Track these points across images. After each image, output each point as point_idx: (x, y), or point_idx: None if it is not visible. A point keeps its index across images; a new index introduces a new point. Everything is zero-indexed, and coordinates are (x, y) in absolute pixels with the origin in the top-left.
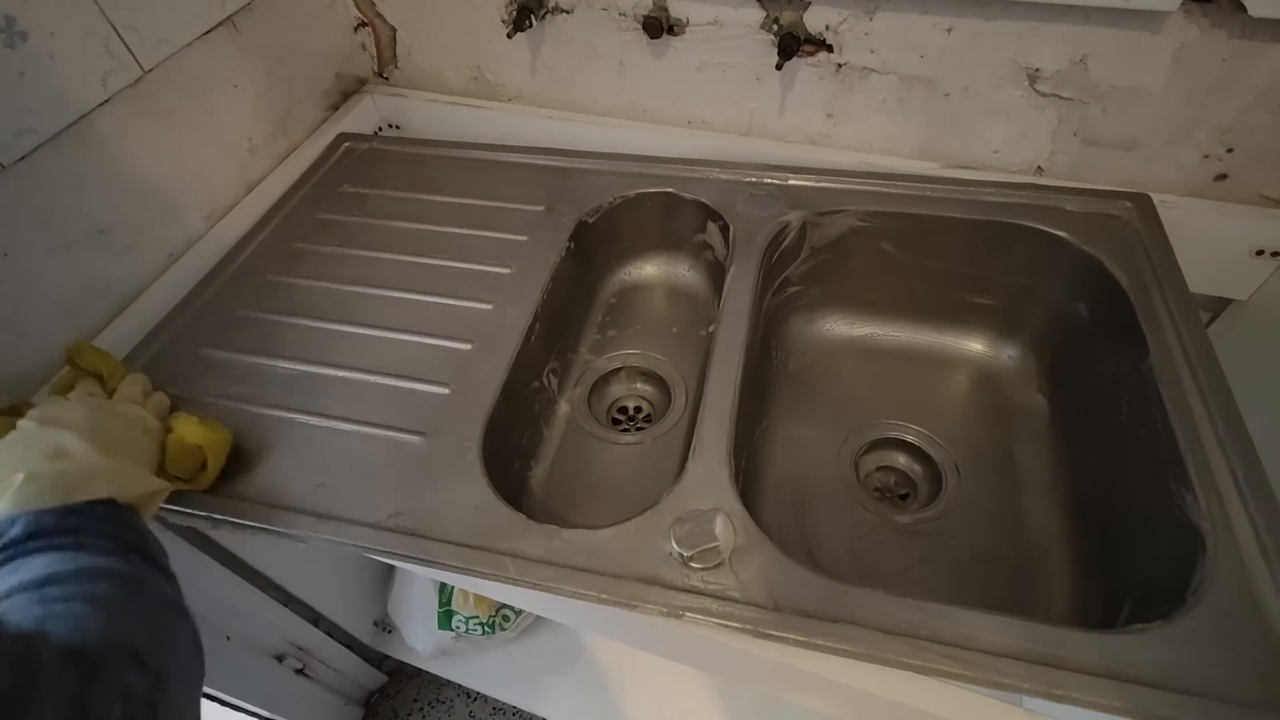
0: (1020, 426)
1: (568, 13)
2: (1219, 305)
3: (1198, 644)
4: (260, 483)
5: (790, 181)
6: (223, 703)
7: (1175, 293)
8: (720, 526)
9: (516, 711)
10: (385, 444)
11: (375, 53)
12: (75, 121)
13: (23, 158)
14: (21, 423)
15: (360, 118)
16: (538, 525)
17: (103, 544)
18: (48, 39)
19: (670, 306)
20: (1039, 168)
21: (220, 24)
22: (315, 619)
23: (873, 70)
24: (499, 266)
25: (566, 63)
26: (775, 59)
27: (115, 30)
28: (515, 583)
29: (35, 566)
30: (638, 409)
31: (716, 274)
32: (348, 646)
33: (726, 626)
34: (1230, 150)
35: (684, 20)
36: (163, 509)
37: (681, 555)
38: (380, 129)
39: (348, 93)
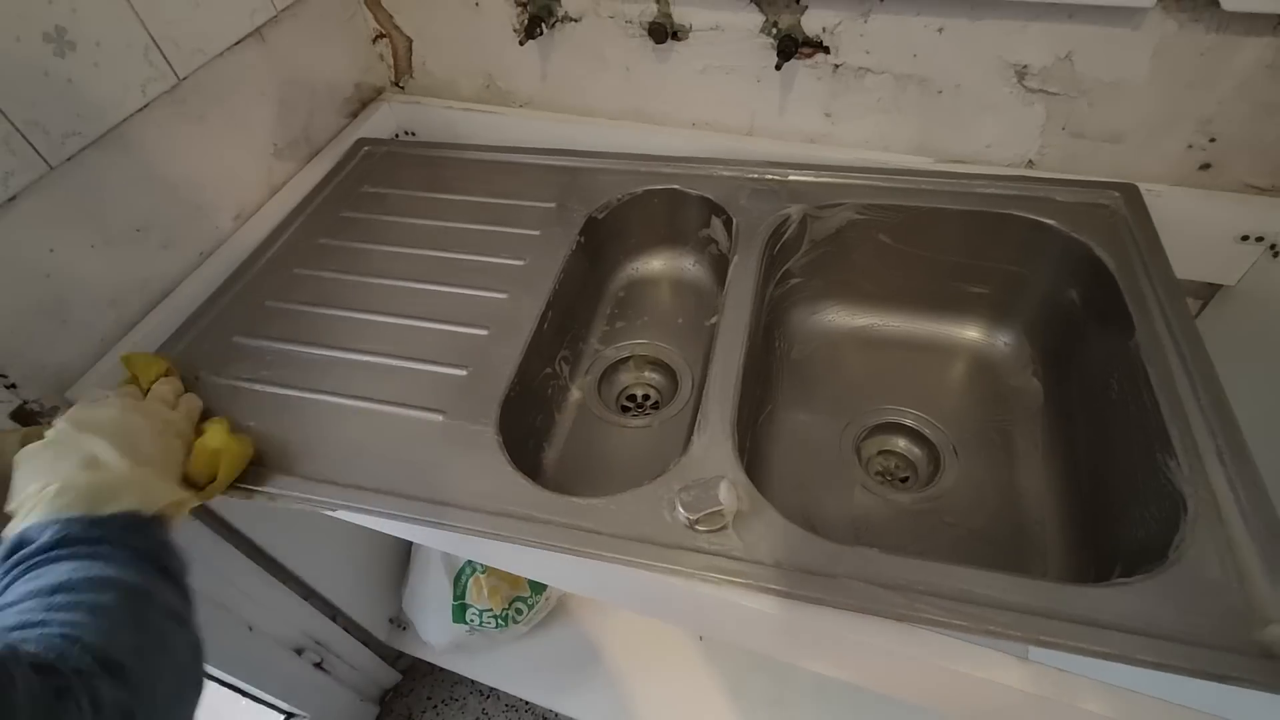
0: (1017, 409)
1: (576, 21)
2: (1209, 292)
3: (1178, 595)
4: (290, 457)
5: (791, 177)
6: (243, 693)
7: (1161, 275)
8: (724, 491)
9: (528, 709)
10: (407, 422)
11: (392, 63)
12: (117, 125)
13: (69, 159)
14: (59, 423)
15: (378, 125)
16: (551, 494)
17: (120, 554)
18: (93, 48)
19: (677, 299)
20: (1030, 161)
21: (249, 35)
22: (333, 614)
23: (868, 70)
24: (513, 259)
25: (575, 69)
26: (774, 61)
27: (154, 40)
28: (529, 544)
29: (53, 574)
30: (646, 396)
31: (721, 268)
32: (364, 642)
33: (730, 582)
34: (1213, 140)
35: (687, 26)
36: None
37: (687, 519)
38: (396, 135)
39: (366, 101)
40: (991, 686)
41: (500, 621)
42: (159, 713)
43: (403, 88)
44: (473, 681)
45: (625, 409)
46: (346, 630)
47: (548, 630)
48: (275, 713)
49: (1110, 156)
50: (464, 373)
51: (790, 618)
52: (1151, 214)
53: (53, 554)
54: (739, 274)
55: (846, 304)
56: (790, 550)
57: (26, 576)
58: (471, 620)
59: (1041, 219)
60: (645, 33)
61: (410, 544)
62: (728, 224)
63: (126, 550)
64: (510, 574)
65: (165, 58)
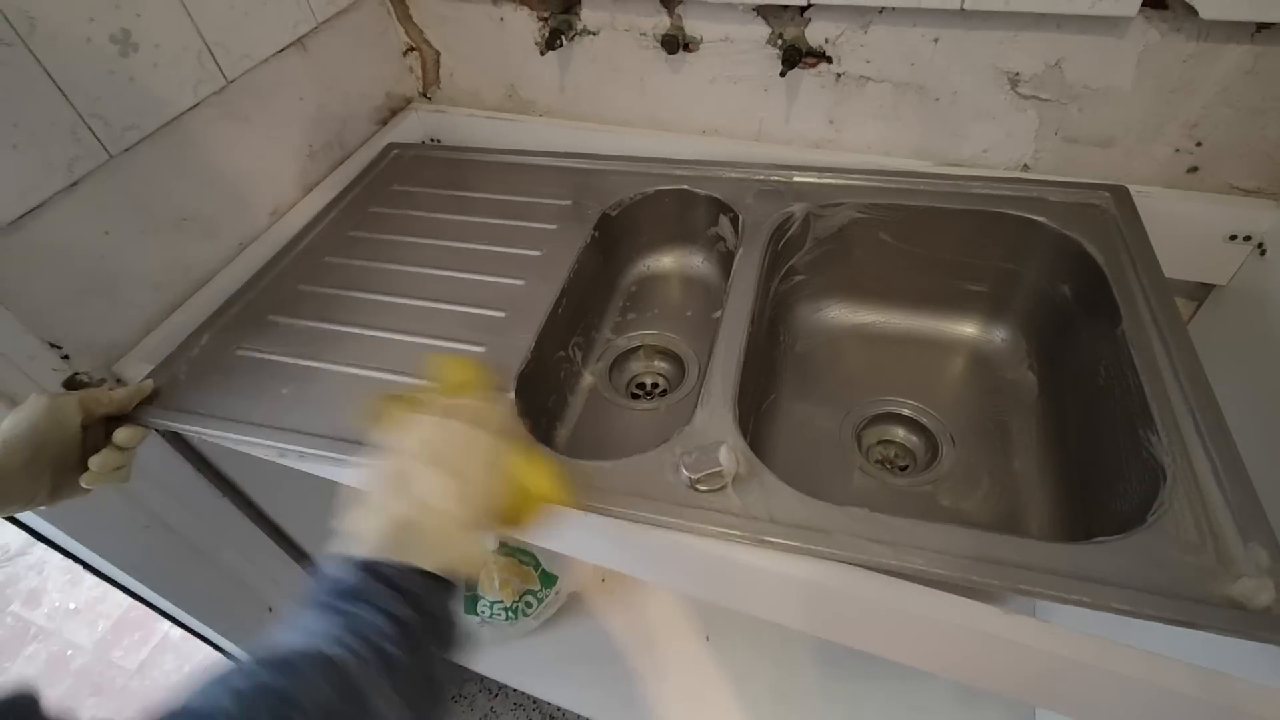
0: (1013, 401)
1: (594, 34)
2: (1202, 292)
3: (1155, 552)
4: (323, 424)
5: (795, 178)
6: None
7: (1147, 267)
8: (724, 454)
9: (535, 706)
10: None
11: (421, 74)
12: (170, 121)
13: (127, 149)
14: (404, 442)
15: (406, 132)
16: (561, 456)
17: (409, 615)
18: (154, 50)
19: (686, 293)
20: (1025, 165)
21: (292, 44)
22: None
23: (869, 79)
24: (530, 249)
25: (592, 79)
26: (780, 70)
27: (206, 45)
28: None
29: (340, 621)
30: (655, 384)
31: (729, 265)
32: None
33: (727, 536)
34: (1199, 144)
35: (698, 38)
36: (231, 448)
37: (689, 478)
38: (423, 142)
39: (395, 109)
40: (975, 636)
41: (511, 614)
42: None
43: (430, 98)
44: (481, 679)
45: (635, 395)
46: None
47: (557, 626)
48: None
49: (1102, 160)
50: (482, 349)
51: (783, 572)
52: (1143, 215)
53: (362, 590)
54: (743, 266)
55: (848, 300)
56: (786, 509)
57: (338, 606)
58: (483, 612)
59: (1035, 217)
60: (658, 44)
61: None
62: (735, 222)
63: (418, 612)
64: (520, 566)
65: (216, 61)
